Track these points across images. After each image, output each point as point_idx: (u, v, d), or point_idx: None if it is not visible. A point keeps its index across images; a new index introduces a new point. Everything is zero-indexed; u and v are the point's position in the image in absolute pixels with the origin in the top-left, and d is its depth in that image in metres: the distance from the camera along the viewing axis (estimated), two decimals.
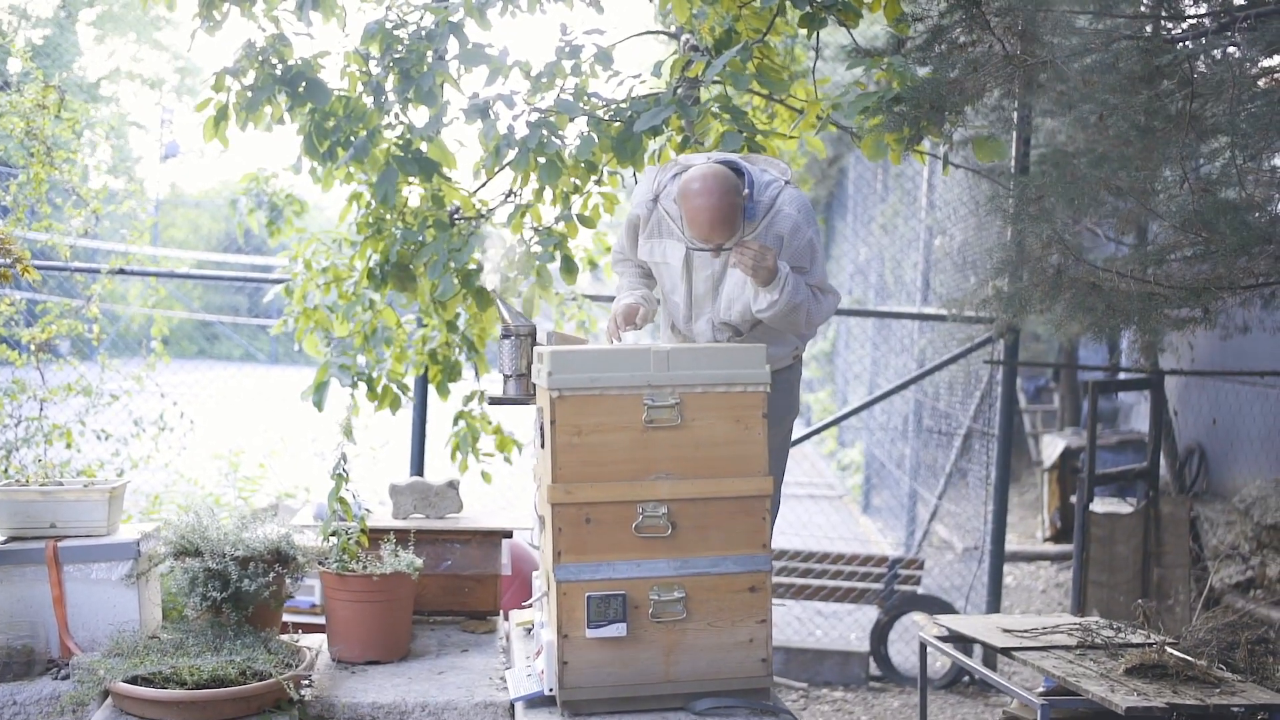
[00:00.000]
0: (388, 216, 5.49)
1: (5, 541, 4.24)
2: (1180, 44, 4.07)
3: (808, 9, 4.65)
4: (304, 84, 5.22)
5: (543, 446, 3.60)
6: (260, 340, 21.39)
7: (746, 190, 3.88)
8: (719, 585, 3.52)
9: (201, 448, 7.75)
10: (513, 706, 3.77)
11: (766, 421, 3.55)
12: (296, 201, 6.90)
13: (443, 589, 4.76)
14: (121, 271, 6.96)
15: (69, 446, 6.76)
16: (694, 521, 3.51)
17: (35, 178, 6.71)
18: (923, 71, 4.80)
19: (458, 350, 5.79)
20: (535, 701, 3.60)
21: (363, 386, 5.85)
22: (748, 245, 3.79)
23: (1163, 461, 7.48)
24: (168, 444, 7.11)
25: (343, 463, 4.34)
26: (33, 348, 6.72)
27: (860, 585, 6.91)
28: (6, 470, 5.87)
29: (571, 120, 4.98)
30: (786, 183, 4.03)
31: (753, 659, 3.54)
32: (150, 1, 6.35)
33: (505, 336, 4.21)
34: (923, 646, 4.71)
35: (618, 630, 3.45)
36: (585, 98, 4.91)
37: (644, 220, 4.09)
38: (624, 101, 4.94)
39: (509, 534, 4.78)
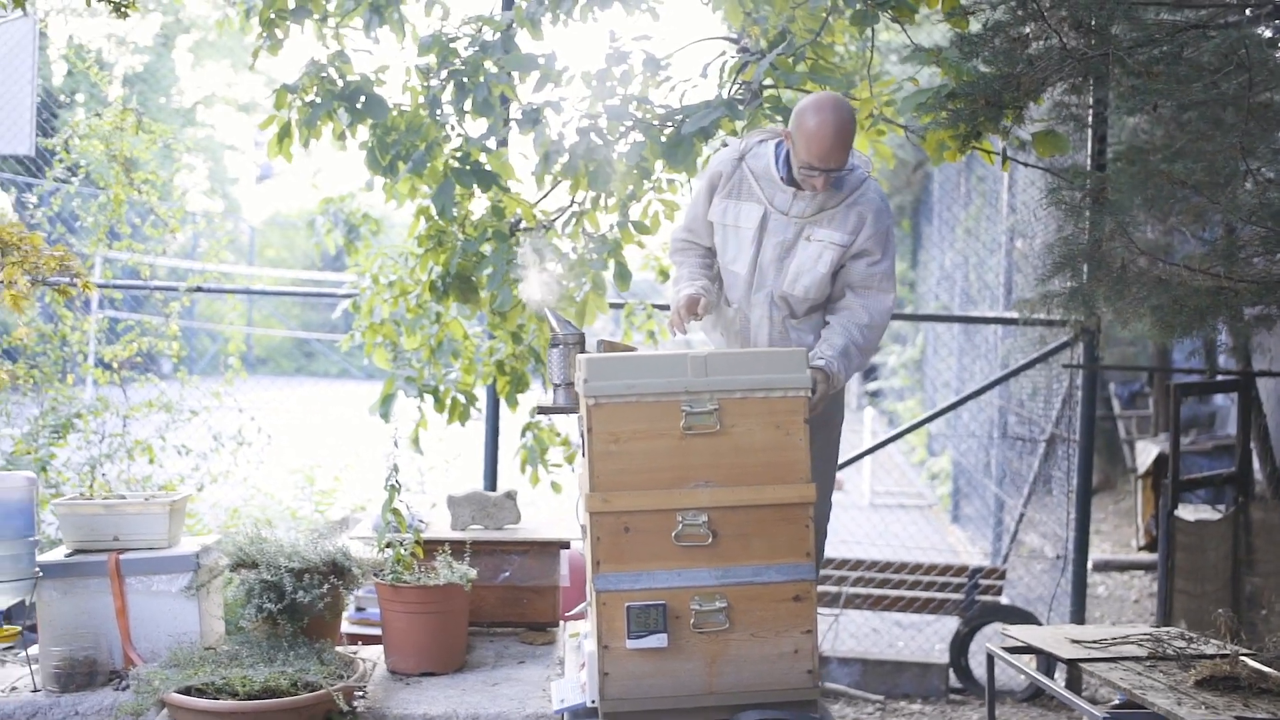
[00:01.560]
0: (450, 229, 5.51)
1: (70, 554, 4.32)
2: (1229, 29, 3.91)
3: (859, 6, 4.57)
4: (362, 99, 5.27)
5: (583, 455, 3.57)
6: (356, 357, 21.68)
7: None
8: (762, 595, 3.44)
9: (282, 462, 7.87)
10: (562, 718, 3.73)
11: (808, 427, 3.47)
12: (373, 221, 6.98)
13: (501, 600, 4.73)
14: (199, 289, 7.10)
15: (151, 461, 6.90)
16: (735, 530, 3.44)
17: (115, 199, 6.87)
18: (984, 68, 4.70)
19: (525, 361, 5.80)
20: (579, 713, 3.57)
21: (429, 399, 5.89)
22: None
23: (1259, 467, 7.22)
24: (246, 459, 7.23)
25: (395, 474, 4.34)
26: (115, 365, 6.88)
27: (940, 596, 6.76)
28: (92, 485, 6.00)
29: (625, 128, 4.95)
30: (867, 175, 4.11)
31: (798, 670, 3.46)
32: (225, 25, 6.48)
33: (554, 345, 4.19)
34: (990, 658, 4.57)
35: (658, 641, 3.40)
36: (636, 103, 4.88)
37: (725, 178, 4.09)
38: (677, 109, 4.90)
39: (567, 544, 4.75)
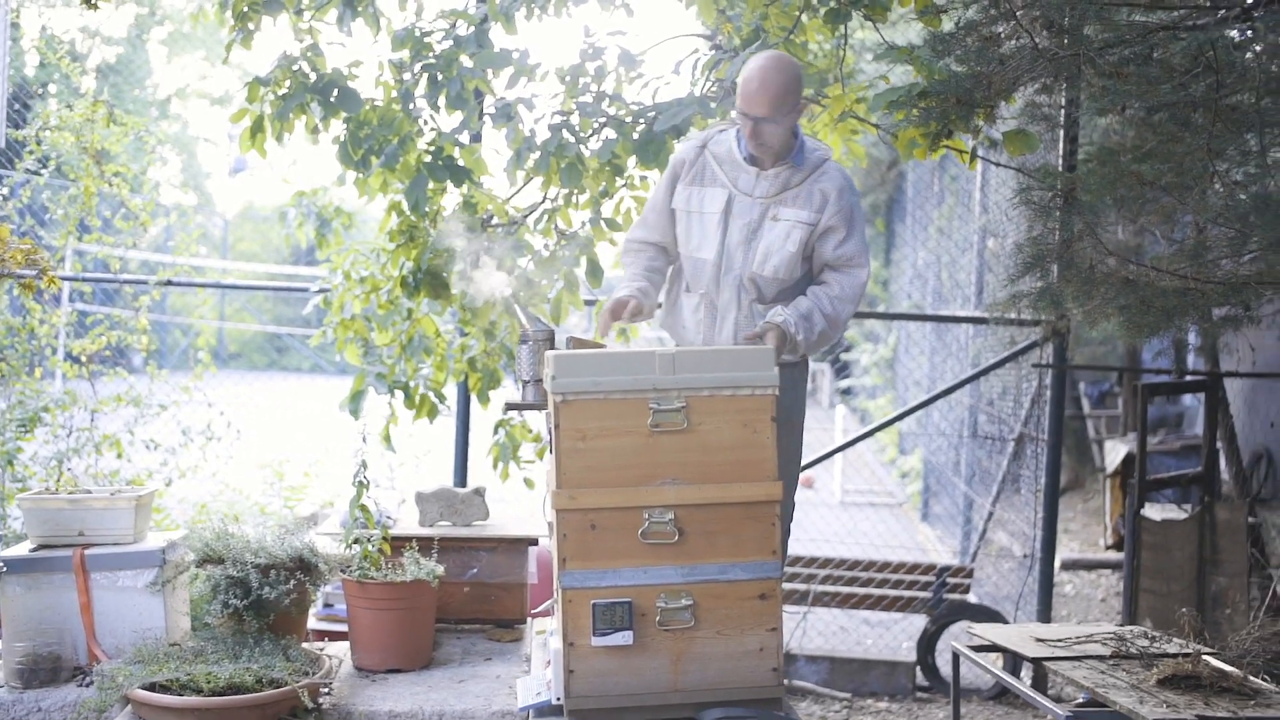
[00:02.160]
0: (422, 224, 5.48)
1: (34, 549, 4.29)
2: (1196, 29, 3.93)
3: (832, 4, 4.58)
4: (336, 92, 5.24)
5: (550, 451, 3.56)
6: (328, 352, 21.60)
7: (798, 140, 4.02)
8: (728, 593, 3.44)
9: (252, 457, 7.82)
10: (527, 715, 3.73)
11: (775, 425, 3.48)
12: (345, 215, 6.96)
13: (469, 597, 4.72)
14: (169, 283, 7.04)
15: (119, 456, 6.85)
16: (702, 528, 3.44)
17: (86, 191, 6.82)
18: (956, 66, 4.71)
19: (497, 359, 5.78)
20: (544, 710, 3.56)
21: (400, 395, 5.86)
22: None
23: (1226, 467, 7.27)
24: (215, 454, 7.19)
25: (363, 470, 4.32)
26: (84, 359, 6.83)
27: (908, 594, 6.78)
28: (59, 479, 5.98)
29: (598, 124, 4.94)
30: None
31: (763, 668, 3.46)
32: (200, 17, 6.44)
33: (523, 342, 4.19)
34: (955, 657, 4.59)
35: (624, 638, 3.39)
36: (609, 100, 4.87)
37: (688, 165, 4.13)
38: (649, 106, 4.89)
39: (535, 541, 4.74)
